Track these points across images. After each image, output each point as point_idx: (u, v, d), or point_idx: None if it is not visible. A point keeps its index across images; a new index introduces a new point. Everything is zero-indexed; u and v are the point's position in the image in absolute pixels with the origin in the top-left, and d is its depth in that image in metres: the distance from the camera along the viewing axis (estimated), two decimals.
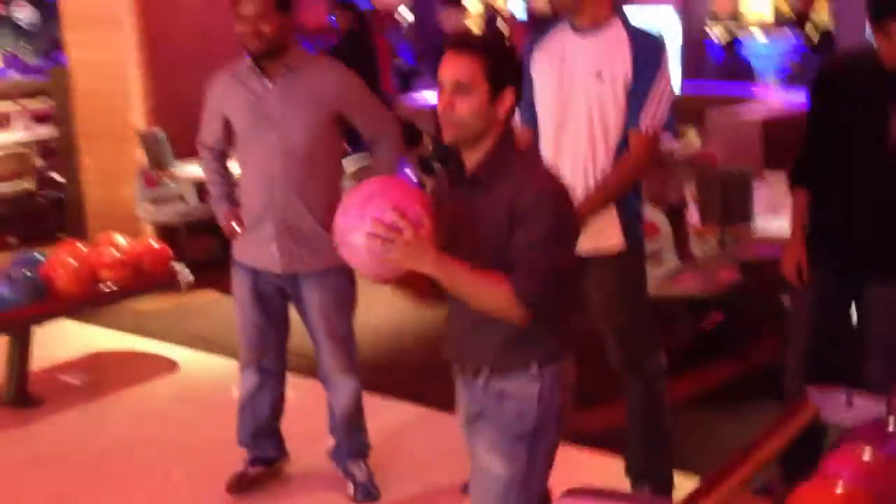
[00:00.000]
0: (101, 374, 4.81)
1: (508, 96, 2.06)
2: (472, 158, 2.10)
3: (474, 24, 15.02)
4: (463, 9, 14.15)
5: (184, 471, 3.70)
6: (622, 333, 3.17)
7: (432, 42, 13.63)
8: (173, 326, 5.30)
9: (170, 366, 4.82)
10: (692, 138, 7.93)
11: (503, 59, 2.06)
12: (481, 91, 2.01)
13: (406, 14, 17.62)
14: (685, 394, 4.14)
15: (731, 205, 4.36)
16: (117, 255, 4.41)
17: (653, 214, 4.76)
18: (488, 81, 2.01)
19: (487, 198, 2.06)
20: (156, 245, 4.72)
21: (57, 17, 6.78)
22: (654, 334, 3.25)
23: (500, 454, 2.18)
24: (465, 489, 3.29)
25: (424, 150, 6.35)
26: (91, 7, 6.31)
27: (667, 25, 10.78)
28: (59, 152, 7.30)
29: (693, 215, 4.60)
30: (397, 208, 1.99)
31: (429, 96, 9.12)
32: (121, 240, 4.56)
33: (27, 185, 7.58)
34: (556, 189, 2.10)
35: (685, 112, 8.24)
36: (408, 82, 11.91)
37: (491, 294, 2.00)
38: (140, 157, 6.18)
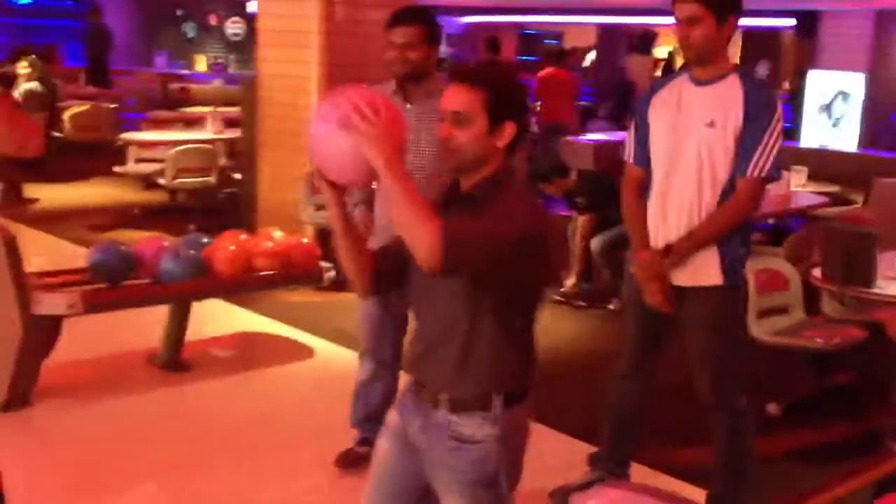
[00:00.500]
0: (246, 352, 5.21)
1: (508, 130, 2.08)
2: (467, 183, 2.13)
3: (660, 72, 14.90)
4: (651, 57, 14.02)
5: (304, 446, 4.01)
6: (713, 368, 3.26)
7: (611, 86, 13.78)
8: (316, 319, 5.67)
9: (308, 353, 5.18)
10: (856, 205, 7.77)
11: (505, 94, 2.08)
12: (479, 122, 2.05)
13: (590, 56, 17.86)
14: (795, 446, 4.17)
15: (854, 266, 4.34)
16: (271, 246, 4.78)
17: (783, 266, 4.80)
18: (487, 113, 2.05)
19: (471, 214, 2.05)
20: (307, 242, 5.08)
21: None
22: (744, 375, 3.32)
23: (466, 500, 2.15)
24: (554, 496, 3.50)
25: (570, 183, 6.55)
26: (284, 27, 6.84)
27: (853, 92, 10.53)
28: (241, 155, 7.85)
29: (819, 272, 4.62)
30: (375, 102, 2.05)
31: (593, 136, 9.34)
32: (277, 234, 4.96)
33: (211, 180, 8.29)
34: (530, 211, 2.08)
35: (856, 179, 8.09)
36: (581, 121, 12.14)
37: (420, 222, 1.93)
38: (309, 166, 6.67)
